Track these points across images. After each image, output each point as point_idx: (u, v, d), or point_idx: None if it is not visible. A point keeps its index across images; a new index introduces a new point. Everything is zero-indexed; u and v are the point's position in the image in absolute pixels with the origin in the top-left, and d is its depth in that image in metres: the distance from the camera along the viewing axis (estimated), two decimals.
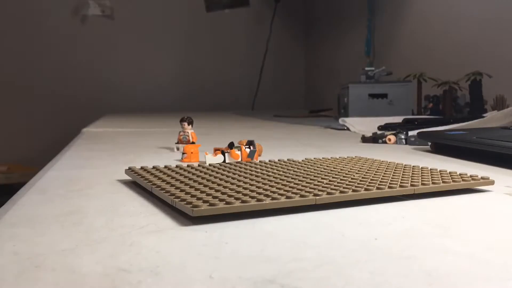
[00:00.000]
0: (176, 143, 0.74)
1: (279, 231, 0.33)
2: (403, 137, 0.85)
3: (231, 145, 0.63)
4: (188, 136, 0.73)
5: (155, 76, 2.86)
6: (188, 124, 0.73)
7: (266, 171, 0.49)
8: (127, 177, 0.51)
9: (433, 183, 0.43)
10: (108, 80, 2.76)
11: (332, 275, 0.25)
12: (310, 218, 0.36)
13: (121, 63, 2.79)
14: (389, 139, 0.85)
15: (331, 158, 0.58)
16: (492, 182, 0.44)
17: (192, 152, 0.65)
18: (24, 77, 2.59)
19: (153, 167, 0.50)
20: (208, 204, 0.35)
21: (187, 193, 0.38)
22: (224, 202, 0.35)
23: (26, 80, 2.53)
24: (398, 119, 1.12)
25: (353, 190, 0.39)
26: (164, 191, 0.40)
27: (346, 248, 0.29)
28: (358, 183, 0.42)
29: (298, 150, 0.78)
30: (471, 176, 0.45)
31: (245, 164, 0.53)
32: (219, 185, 0.41)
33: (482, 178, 0.45)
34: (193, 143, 0.72)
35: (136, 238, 0.32)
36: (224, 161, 0.62)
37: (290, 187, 0.40)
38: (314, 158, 0.57)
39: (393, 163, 0.53)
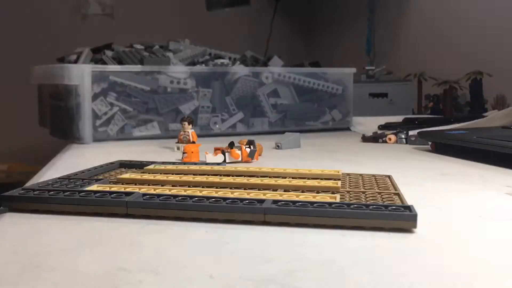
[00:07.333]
0: (176, 143, 0.74)
1: (279, 232, 0.33)
2: (403, 136, 0.85)
3: (231, 145, 0.63)
4: (189, 135, 0.73)
5: None
6: (189, 124, 0.73)
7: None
8: None
9: None
10: None
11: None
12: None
13: None
14: (390, 139, 0.85)
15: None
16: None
17: (192, 152, 0.65)
18: (25, 75, 2.59)
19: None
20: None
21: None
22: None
23: (26, 78, 2.53)
24: (398, 118, 1.12)
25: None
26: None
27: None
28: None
29: (298, 149, 0.78)
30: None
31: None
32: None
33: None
34: (193, 142, 0.72)
35: (136, 238, 0.32)
36: (225, 160, 0.62)
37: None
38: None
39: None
